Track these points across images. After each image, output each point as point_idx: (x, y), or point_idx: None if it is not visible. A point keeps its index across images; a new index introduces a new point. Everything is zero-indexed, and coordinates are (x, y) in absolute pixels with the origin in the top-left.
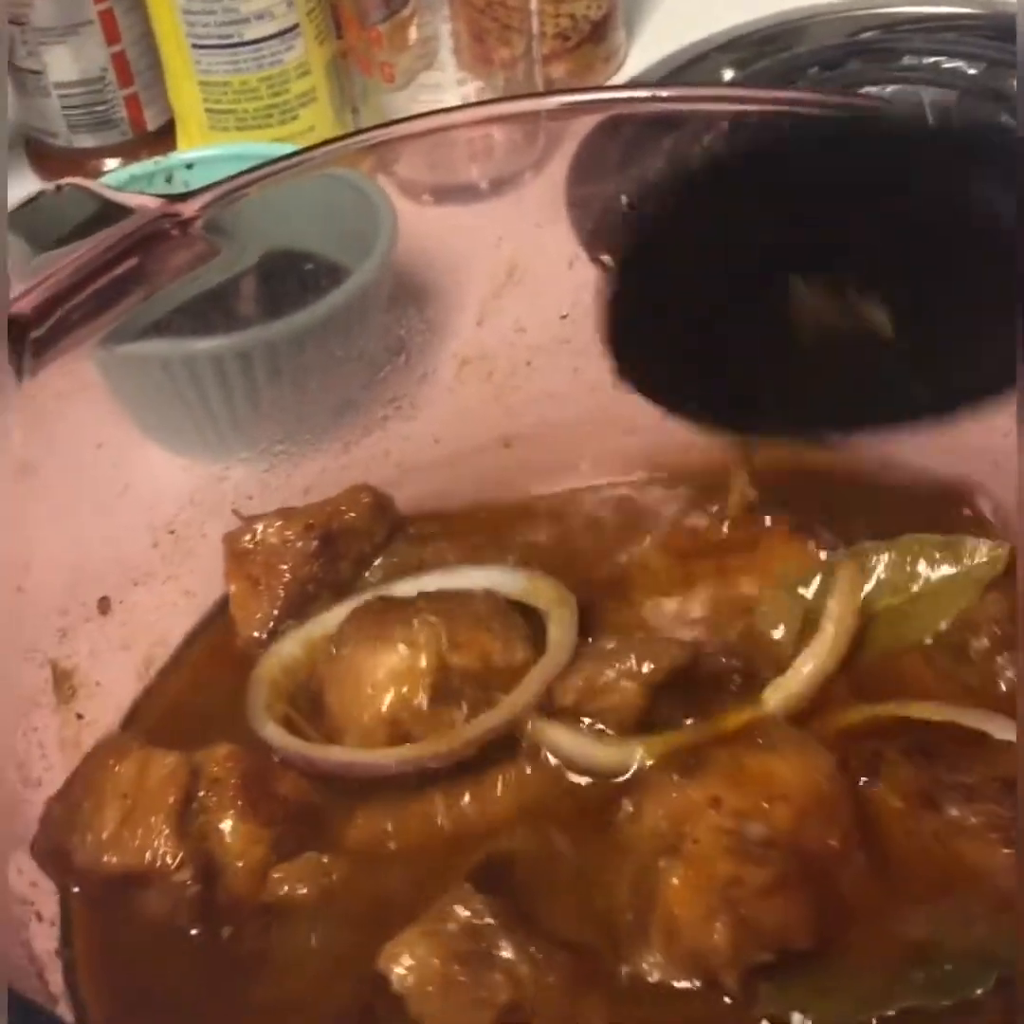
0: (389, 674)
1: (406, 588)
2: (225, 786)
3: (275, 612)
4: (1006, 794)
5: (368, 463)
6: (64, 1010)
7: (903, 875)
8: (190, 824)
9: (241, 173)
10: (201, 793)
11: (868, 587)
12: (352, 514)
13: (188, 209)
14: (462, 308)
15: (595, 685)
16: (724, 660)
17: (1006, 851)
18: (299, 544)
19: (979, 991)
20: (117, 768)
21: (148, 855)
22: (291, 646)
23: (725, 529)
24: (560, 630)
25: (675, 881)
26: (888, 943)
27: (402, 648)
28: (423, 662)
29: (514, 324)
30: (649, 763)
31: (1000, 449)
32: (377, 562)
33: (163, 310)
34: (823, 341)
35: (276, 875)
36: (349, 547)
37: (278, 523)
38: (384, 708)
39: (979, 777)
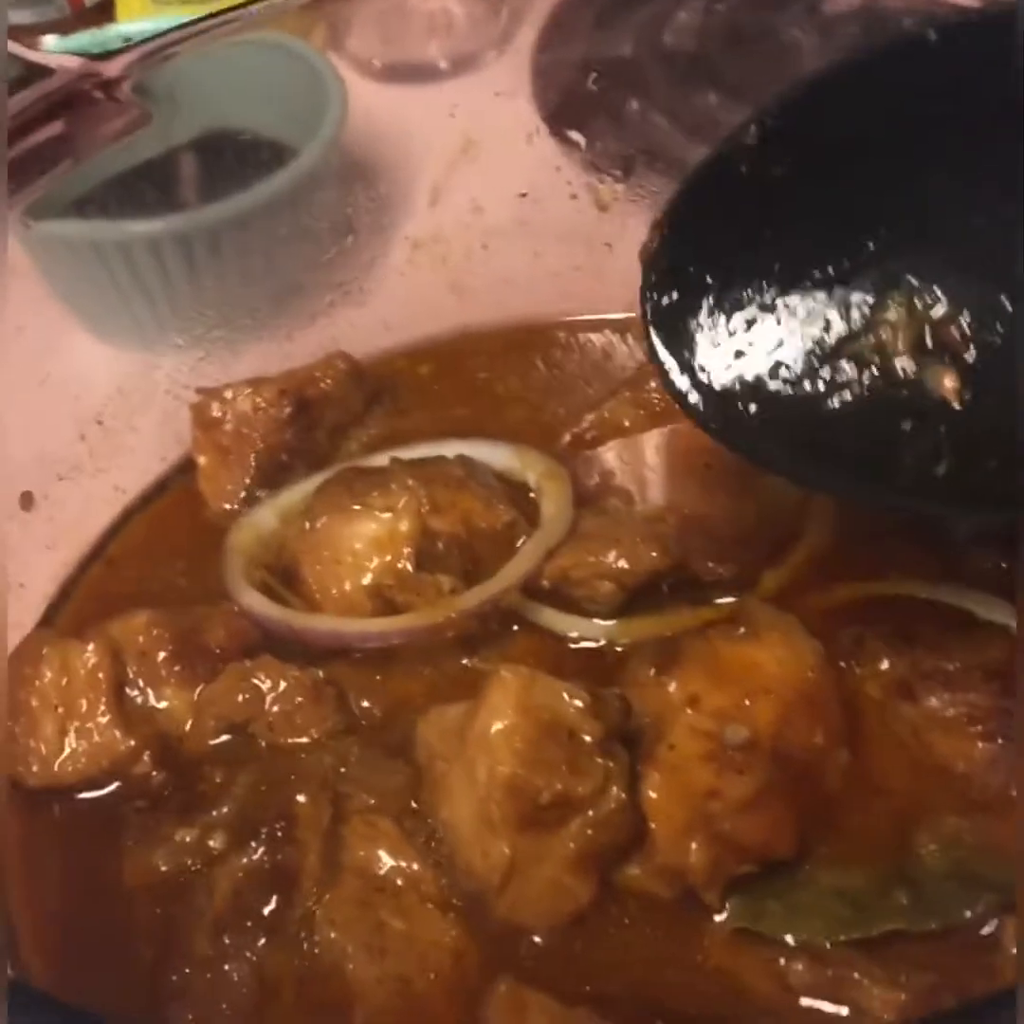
0: (369, 542)
1: (383, 460)
2: (154, 657)
3: (248, 481)
4: (987, 682)
5: (314, 352)
6: None
7: (879, 772)
8: (131, 710)
9: (168, 30)
10: (132, 671)
11: None
12: (327, 381)
13: (112, 68)
14: (414, 187)
15: (571, 577)
16: (711, 565)
17: (983, 745)
18: (272, 411)
19: (968, 914)
20: (36, 679)
21: (103, 759)
22: (266, 515)
23: None
24: (554, 504)
25: (651, 793)
26: (868, 856)
27: (381, 514)
28: (404, 527)
29: (470, 204)
30: (619, 648)
31: None
32: (354, 433)
33: (94, 181)
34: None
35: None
36: (324, 416)
37: (248, 390)
38: (366, 577)
39: (961, 663)
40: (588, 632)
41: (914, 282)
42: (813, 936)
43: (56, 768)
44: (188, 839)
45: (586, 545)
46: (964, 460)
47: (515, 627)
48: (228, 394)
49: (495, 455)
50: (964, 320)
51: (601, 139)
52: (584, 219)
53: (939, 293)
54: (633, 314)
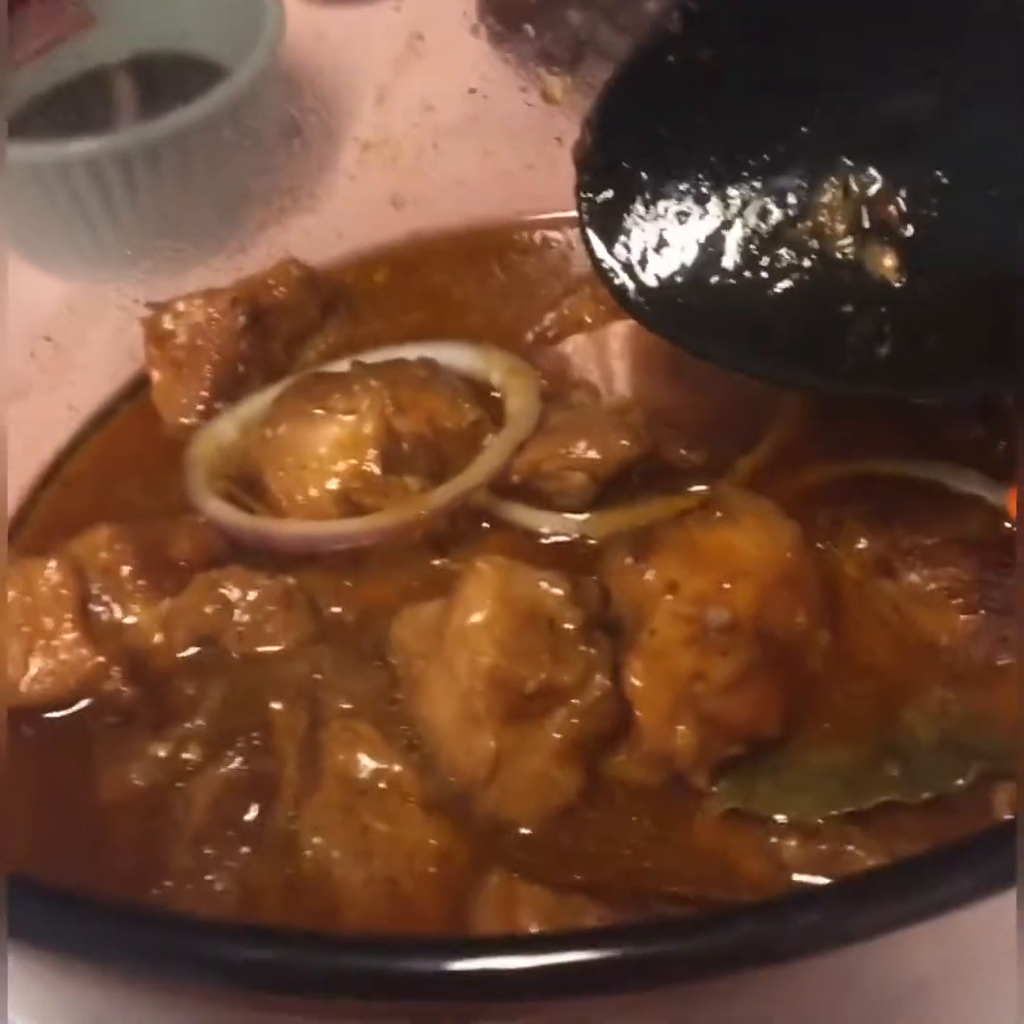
0: (333, 446)
1: (343, 366)
2: (118, 572)
3: (204, 394)
4: (966, 556)
5: (266, 263)
6: None
7: (863, 650)
8: (97, 626)
9: None
10: (96, 588)
11: None
12: (281, 289)
13: None
14: (361, 87)
15: (542, 470)
16: (683, 452)
17: (965, 617)
18: (225, 322)
19: (959, 783)
20: None
21: (71, 677)
22: (225, 426)
23: None
24: (520, 399)
25: (635, 680)
26: (857, 731)
27: (343, 417)
28: (368, 429)
29: (419, 102)
30: (592, 541)
31: None
32: (311, 342)
33: (24, 100)
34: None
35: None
36: (280, 324)
37: (200, 301)
38: (332, 482)
39: (940, 538)
40: (560, 526)
41: (848, 163)
42: (804, 813)
43: (23, 688)
44: (163, 753)
45: (555, 438)
46: (906, 340)
47: (485, 525)
48: (180, 306)
49: (457, 356)
50: (900, 197)
51: (549, 30)
52: (534, 114)
53: (874, 172)
54: None
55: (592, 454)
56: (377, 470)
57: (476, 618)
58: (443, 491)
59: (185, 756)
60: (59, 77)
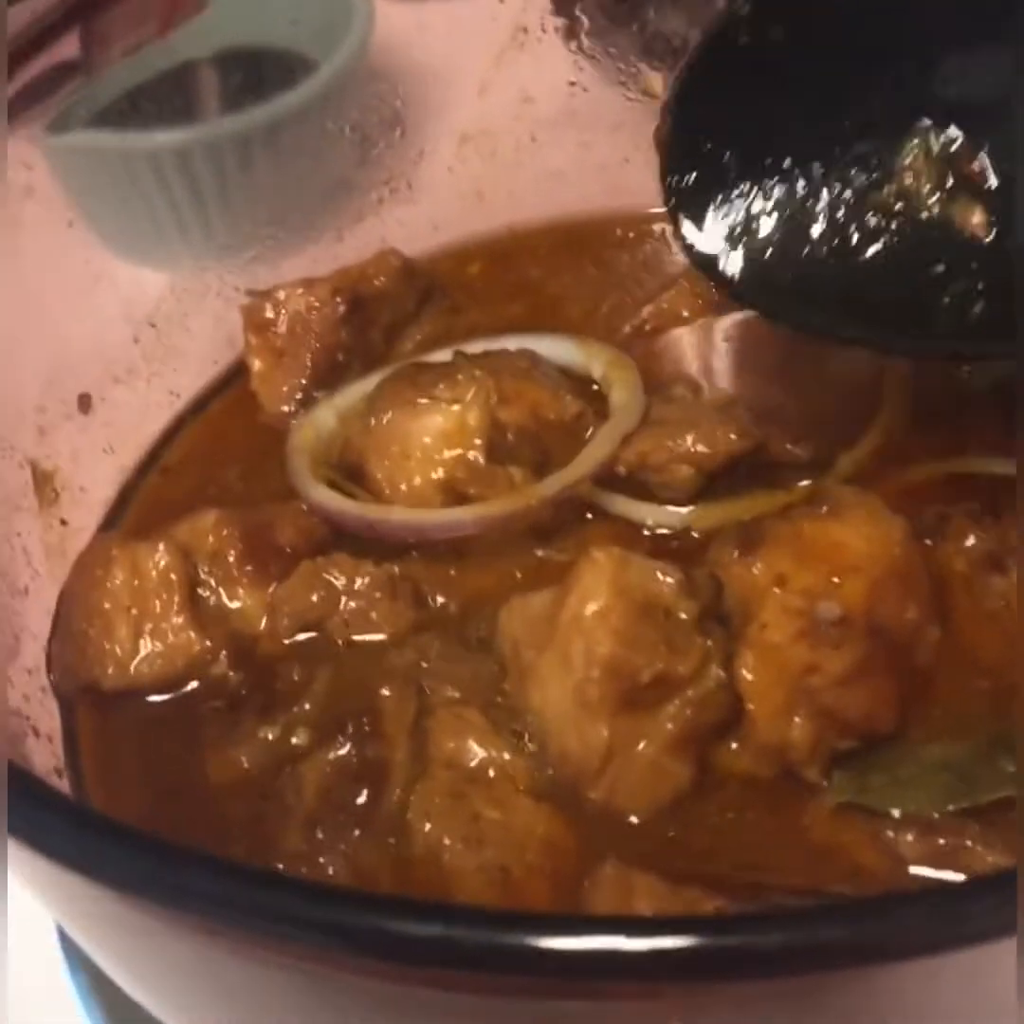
0: (438, 435)
1: (443, 356)
2: (225, 557)
3: (303, 382)
4: None
5: (364, 252)
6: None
7: (973, 645)
8: (204, 611)
9: None
10: (203, 572)
11: None
12: (381, 278)
13: None
14: (461, 77)
15: (649, 462)
16: (789, 446)
17: None
18: (326, 310)
19: None
20: (107, 581)
21: (179, 659)
22: (325, 415)
23: None
24: (624, 392)
25: (746, 674)
26: (970, 725)
27: (448, 406)
28: (473, 418)
29: (518, 94)
30: (695, 534)
31: None
32: (409, 332)
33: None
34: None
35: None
36: (379, 313)
37: (300, 291)
38: (437, 471)
39: None
40: (665, 519)
41: (927, 123)
42: (921, 807)
43: (132, 670)
44: (271, 736)
45: (662, 430)
46: (999, 297)
47: (588, 516)
48: (280, 295)
49: (557, 348)
50: (983, 152)
51: (650, 25)
52: (633, 109)
53: (955, 131)
54: None
55: (700, 447)
56: (482, 460)
57: (593, 607)
58: (551, 481)
59: (294, 741)
60: (148, 71)
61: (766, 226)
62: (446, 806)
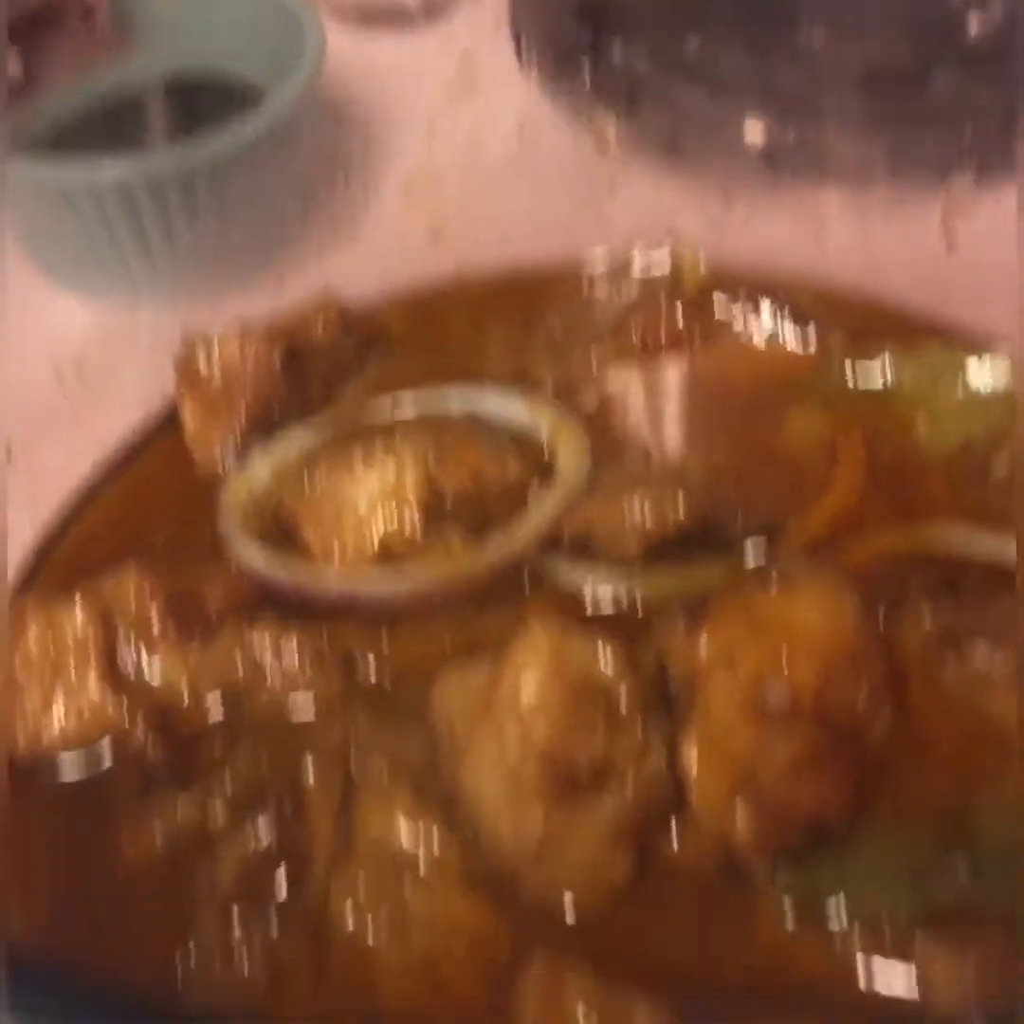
0: (374, 498)
1: (382, 406)
2: (146, 618)
3: (237, 436)
4: None
5: (303, 294)
6: None
7: (927, 734)
8: (123, 675)
9: None
10: (122, 634)
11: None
12: (318, 329)
13: None
14: (407, 118)
15: (594, 531)
16: (739, 515)
17: None
18: (260, 361)
19: None
20: (21, 643)
21: (95, 727)
22: (260, 471)
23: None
24: (570, 457)
25: (691, 762)
26: (923, 820)
27: (384, 470)
28: (410, 482)
29: (466, 138)
30: (639, 609)
31: None
32: (349, 381)
33: (61, 117)
34: None
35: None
36: (316, 363)
37: (235, 339)
38: (372, 536)
39: (1006, 616)
40: (609, 586)
41: None
42: (871, 906)
43: (44, 740)
44: (188, 814)
45: (608, 501)
46: None
47: (528, 586)
48: (214, 344)
49: (504, 404)
50: None
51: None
52: (583, 156)
53: None
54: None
55: (648, 518)
56: (419, 525)
57: (529, 689)
58: (490, 551)
59: (212, 818)
60: (94, 97)
61: None
62: (371, 893)
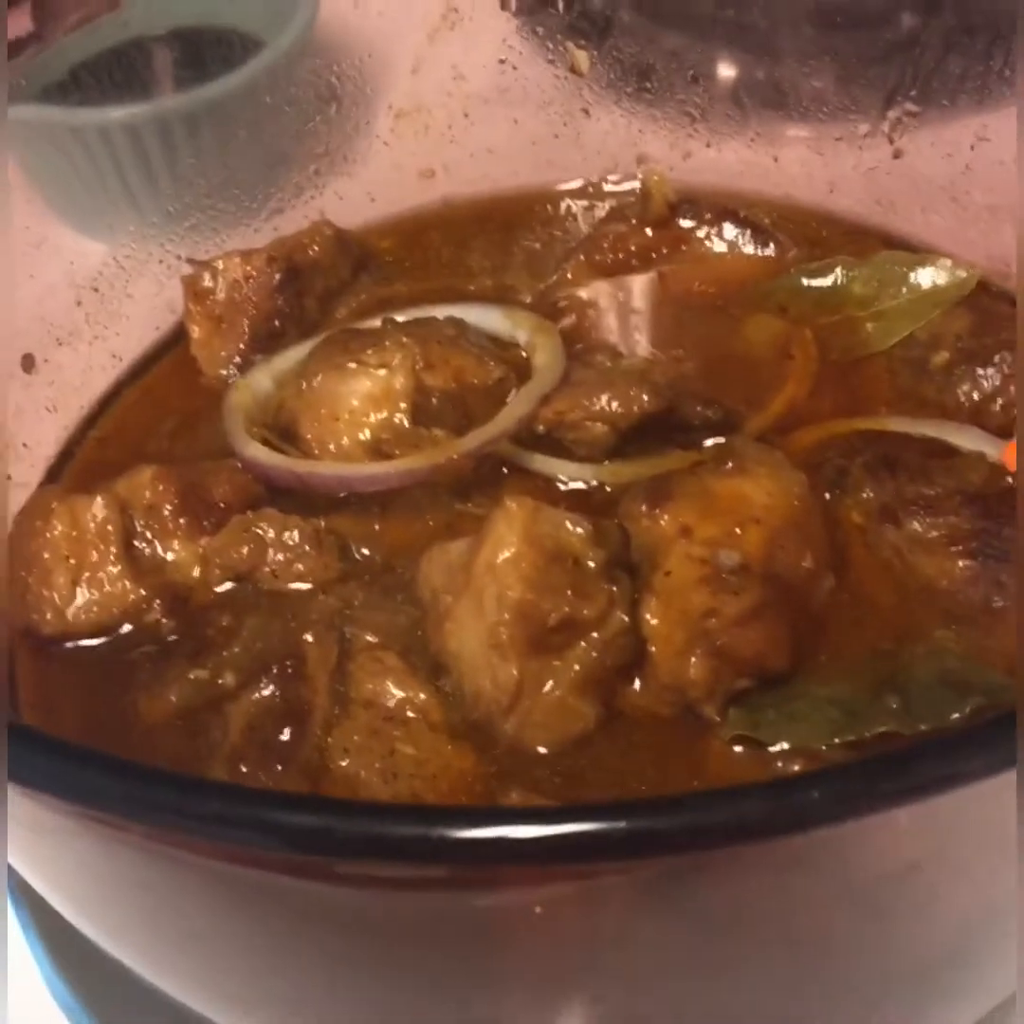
0: (365, 398)
1: (375, 322)
2: (161, 511)
3: (241, 347)
4: (966, 506)
5: (300, 223)
6: None
7: (867, 593)
8: (140, 562)
9: None
10: (140, 525)
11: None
12: (315, 248)
13: None
14: (395, 55)
15: (566, 421)
16: (700, 408)
17: (964, 563)
18: (262, 278)
19: (956, 717)
20: (46, 531)
21: (114, 607)
22: (261, 378)
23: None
24: (545, 355)
25: (650, 618)
26: (860, 667)
27: (375, 371)
28: (399, 383)
29: (451, 71)
30: (609, 489)
31: None
32: (343, 300)
33: (65, 67)
34: None
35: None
36: (314, 282)
37: (237, 259)
38: (364, 433)
39: (941, 489)
40: (579, 475)
41: None
42: (809, 740)
43: (69, 616)
44: (200, 677)
45: (579, 391)
46: None
47: (506, 472)
48: (219, 264)
49: (484, 316)
50: None
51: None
52: (561, 85)
53: None
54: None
55: (614, 407)
56: (406, 422)
57: (505, 554)
58: (472, 437)
59: (221, 681)
60: (100, 46)
61: None
62: (364, 743)
